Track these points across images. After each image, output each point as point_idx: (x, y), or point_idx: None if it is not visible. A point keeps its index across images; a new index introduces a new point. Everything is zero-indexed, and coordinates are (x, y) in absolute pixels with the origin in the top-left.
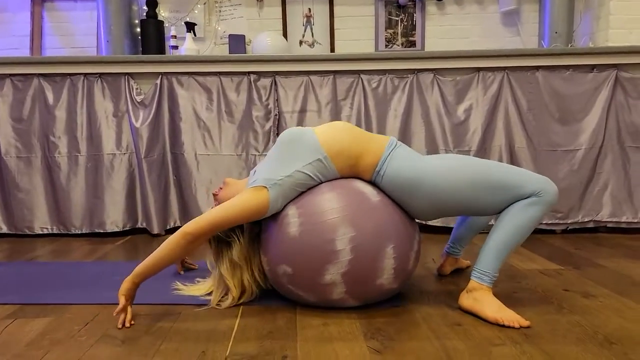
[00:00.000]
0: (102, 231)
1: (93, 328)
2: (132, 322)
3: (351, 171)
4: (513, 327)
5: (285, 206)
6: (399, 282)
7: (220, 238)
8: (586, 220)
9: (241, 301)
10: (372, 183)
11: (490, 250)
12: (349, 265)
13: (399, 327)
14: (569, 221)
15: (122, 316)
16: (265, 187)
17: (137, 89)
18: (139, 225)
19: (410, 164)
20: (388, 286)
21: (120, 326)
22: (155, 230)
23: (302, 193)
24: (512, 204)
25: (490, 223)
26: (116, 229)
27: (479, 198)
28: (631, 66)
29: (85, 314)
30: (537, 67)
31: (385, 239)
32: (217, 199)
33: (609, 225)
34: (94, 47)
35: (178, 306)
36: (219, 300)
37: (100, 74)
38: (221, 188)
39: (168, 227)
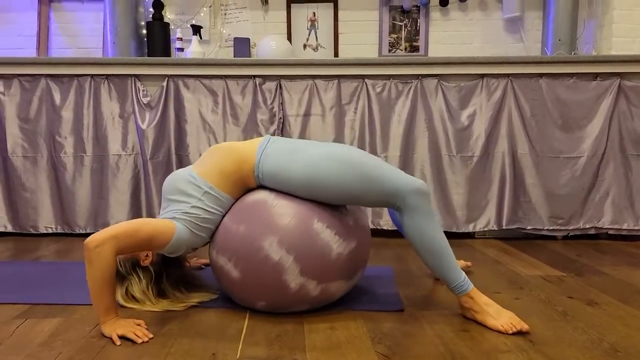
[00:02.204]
0: None
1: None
2: (151, 336)
3: (240, 187)
4: (516, 334)
5: (213, 258)
6: (354, 240)
7: (120, 273)
8: (587, 226)
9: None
10: (261, 187)
11: (440, 270)
12: (299, 264)
13: (406, 332)
14: (570, 227)
15: (138, 334)
16: (169, 219)
17: (143, 90)
18: None
19: (278, 159)
20: (347, 250)
21: (141, 341)
22: None
23: (215, 238)
24: (382, 203)
25: None
26: None
27: (341, 194)
28: (634, 75)
29: (94, 315)
30: (541, 75)
31: (306, 221)
32: None
33: (610, 232)
34: (100, 48)
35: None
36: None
37: (107, 76)
38: None
39: None
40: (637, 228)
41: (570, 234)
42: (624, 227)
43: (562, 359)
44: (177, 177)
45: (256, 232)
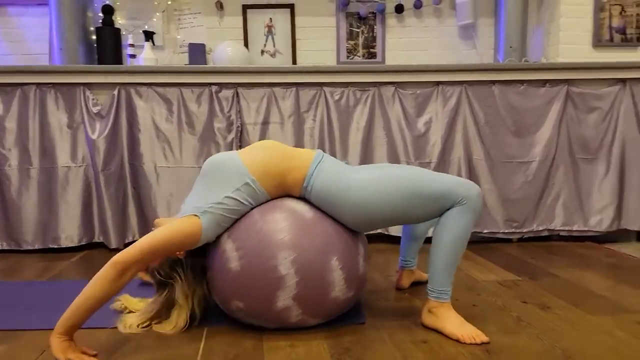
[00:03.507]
0: (56, 247)
1: (51, 357)
2: None
3: (280, 190)
4: (474, 344)
5: (221, 240)
6: (354, 290)
7: (162, 281)
8: (540, 229)
9: (165, 332)
10: (303, 198)
11: (438, 269)
12: (298, 287)
13: (366, 345)
14: (524, 230)
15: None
16: (196, 215)
17: (93, 99)
18: (95, 239)
19: (337, 177)
20: (344, 297)
21: None
22: (113, 245)
23: (235, 223)
24: (441, 212)
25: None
26: (71, 244)
27: (404, 210)
28: (580, 81)
29: (41, 340)
30: (494, 82)
31: (328, 253)
32: None
33: (562, 233)
34: (47, 55)
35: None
36: (141, 327)
37: (54, 84)
38: (152, 230)
39: (127, 241)
40: (586, 229)
41: (525, 236)
42: (574, 229)
43: None
44: (222, 160)
45: (277, 239)
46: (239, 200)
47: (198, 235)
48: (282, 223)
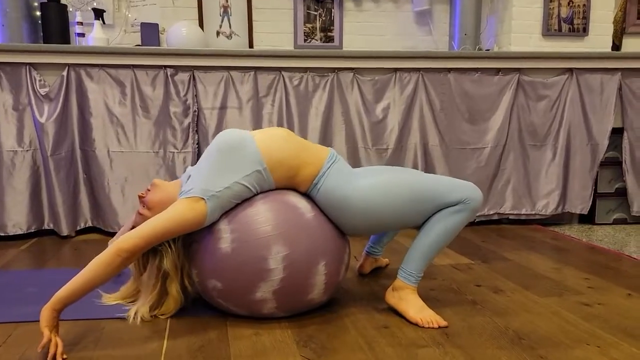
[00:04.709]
0: (3, 234)
1: (7, 351)
2: (65, 357)
3: (288, 182)
4: (433, 328)
5: (219, 220)
6: (328, 295)
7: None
8: (491, 213)
9: (171, 313)
10: (307, 195)
11: (417, 253)
12: (281, 283)
13: (330, 333)
14: (477, 214)
15: (51, 350)
16: (203, 198)
17: (40, 80)
18: (45, 226)
19: (347, 179)
20: (318, 299)
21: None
22: (65, 232)
23: (235, 205)
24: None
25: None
26: (20, 232)
27: (410, 213)
28: (531, 70)
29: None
30: (449, 69)
31: (318, 257)
32: (144, 202)
33: (511, 217)
34: None
35: (101, 321)
36: (151, 314)
37: None
38: (149, 190)
39: (79, 228)
40: (533, 213)
41: (477, 220)
42: (522, 212)
43: (474, 350)
44: (239, 140)
45: (274, 231)
46: (246, 187)
47: (203, 221)
48: (282, 217)
